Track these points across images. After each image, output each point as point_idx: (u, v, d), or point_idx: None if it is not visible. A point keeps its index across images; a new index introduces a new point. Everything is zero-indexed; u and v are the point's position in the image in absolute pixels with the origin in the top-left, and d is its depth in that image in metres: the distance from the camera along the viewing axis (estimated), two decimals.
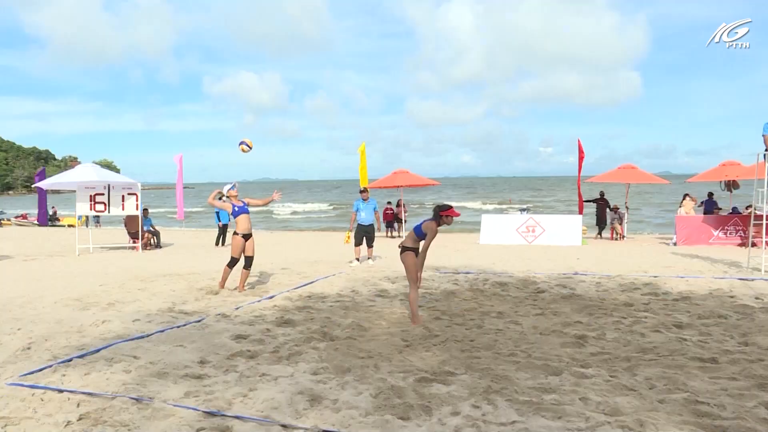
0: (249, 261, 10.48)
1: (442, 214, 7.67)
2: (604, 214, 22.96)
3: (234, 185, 10.53)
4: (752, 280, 11.19)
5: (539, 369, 5.76)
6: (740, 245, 17.84)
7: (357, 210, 14.29)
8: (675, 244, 19.15)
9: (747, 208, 19.39)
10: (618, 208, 22.58)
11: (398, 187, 25.23)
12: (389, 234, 25.25)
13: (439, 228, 7.74)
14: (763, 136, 12.80)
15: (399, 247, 7.97)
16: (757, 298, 9.30)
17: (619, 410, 4.70)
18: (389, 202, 26.01)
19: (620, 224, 22.41)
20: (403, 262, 7.92)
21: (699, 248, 17.64)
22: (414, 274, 7.84)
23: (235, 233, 10.39)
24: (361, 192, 14.77)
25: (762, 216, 13.46)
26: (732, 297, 9.42)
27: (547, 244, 19.46)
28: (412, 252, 7.83)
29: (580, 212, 21.66)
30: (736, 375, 5.55)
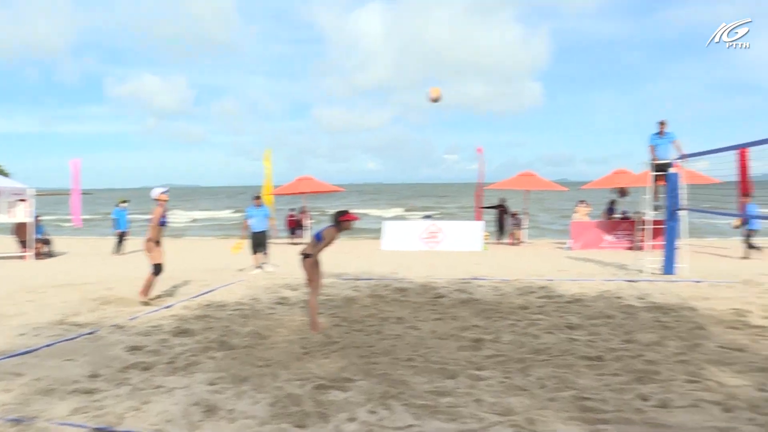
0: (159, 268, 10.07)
1: (341, 220, 7.72)
2: (504, 220, 23.59)
3: (167, 189, 10.09)
4: (637, 281, 11.80)
5: (436, 373, 5.89)
6: (629, 248, 18.71)
7: (249, 217, 14.16)
8: (570, 248, 19.89)
9: (636, 213, 20.36)
10: (517, 214, 23.25)
11: (302, 193, 25.11)
12: (292, 241, 25.08)
13: (340, 234, 7.78)
14: (649, 146, 13.59)
15: (300, 254, 7.96)
16: (640, 298, 9.84)
17: (511, 410, 4.88)
18: (292, 209, 25.86)
19: (519, 230, 23.07)
20: (303, 269, 7.92)
21: (592, 252, 18.40)
22: (314, 281, 7.86)
23: (156, 242, 9.93)
24: (254, 199, 14.62)
25: (649, 221, 14.19)
26: (619, 298, 9.90)
27: (449, 250, 19.81)
28: (313, 259, 7.84)
29: (478, 218, 22.19)
30: (619, 371, 5.89)
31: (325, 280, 11.21)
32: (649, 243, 13.95)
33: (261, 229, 14.11)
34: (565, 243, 21.10)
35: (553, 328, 7.75)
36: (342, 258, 16.52)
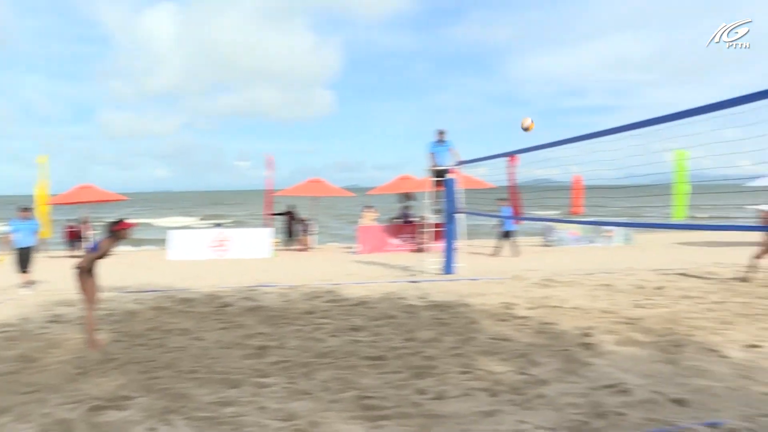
0: None
1: (116, 230, 7.33)
2: (292, 227, 23.71)
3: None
4: (419, 282, 12.43)
5: (220, 383, 5.81)
6: (413, 251, 19.61)
7: (13, 231, 12.76)
8: (358, 252, 20.43)
9: (420, 217, 21.41)
10: (305, 220, 23.49)
11: (83, 203, 23.53)
12: (72, 254, 23.39)
13: (116, 244, 7.39)
14: (428, 153, 14.40)
15: (74, 267, 7.45)
16: (421, 298, 10.37)
17: (294, 414, 4.94)
18: (71, 220, 24.14)
19: (308, 236, 23.31)
20: (77, 283, 7.43)
21: (378, 255, 19.04)
22: (90, 295, 7.40)
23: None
24: (20, 211, 13.20)
25: (430, 224, 15.01)
26: (402, 298, 10.36)
27: (238, 257, 19.55)
28: (87, 271, 7.38)
29: (269, 225, 22.15)
30: (399, 368, 6.18)
31: (105, 294, 10.59)
32: (430, 245, 14.74)
33: (27, 245, 12.81)
34: (352, 248, 21.64)
35: (338, 331, 7.94)
36: (126, 270, 15.70)
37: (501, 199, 14.45)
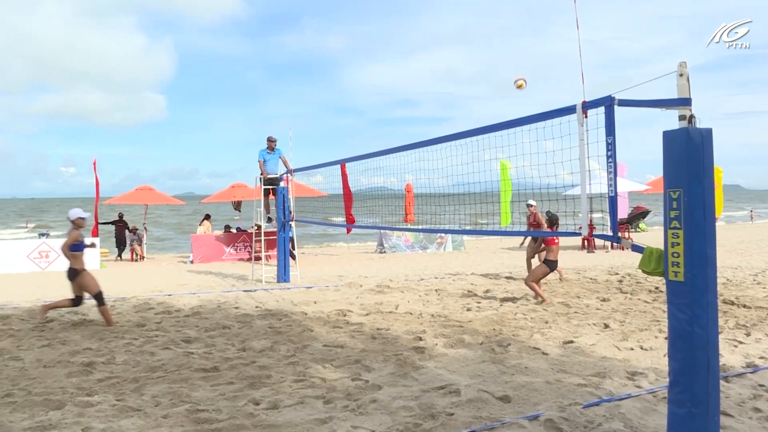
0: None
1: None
2: (123, 236, 22.67)
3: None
4: (255, 291, 12.30)
5: (40, 406, 5.40)
6: (248, 260, 19.38)
7: None
8: (192, 262, 19.88)
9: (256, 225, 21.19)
10: (137, 229, 22.55)
11: None
12: None
13: None
14: (258, 161, 14.30)
15: None
16: (257, 307, 10.27)
17: None
18: None
19: (140, 245, 22.39)
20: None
21: (213, 265, 18.61)
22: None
23: (82, 270, 9.39)
24: None
25: (263, 233, 14.89)
26: (237, 308, 10.20)
27: (63, 269, 18.33)
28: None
29: (95, 235, 21.01)
30: (233, 379, 6.07)
31: None
32: (265, 253, 14.63)
33: None
34: (188, 257, 21.03)
35: (171, 344, 7.67)
36: None
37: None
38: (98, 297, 9.22)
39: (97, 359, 6.98)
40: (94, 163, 21.81)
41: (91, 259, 18.97)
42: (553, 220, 10.03)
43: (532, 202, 12.38)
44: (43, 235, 25.53)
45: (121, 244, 22.81)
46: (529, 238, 13.68)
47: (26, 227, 54.51)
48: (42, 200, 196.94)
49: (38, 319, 9.31)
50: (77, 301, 9.36)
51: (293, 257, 14.88)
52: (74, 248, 9.33)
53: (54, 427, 4.88)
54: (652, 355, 6.81)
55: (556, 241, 10.13)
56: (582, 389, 5.57)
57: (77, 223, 9.55)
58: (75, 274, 9.35)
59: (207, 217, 22.51)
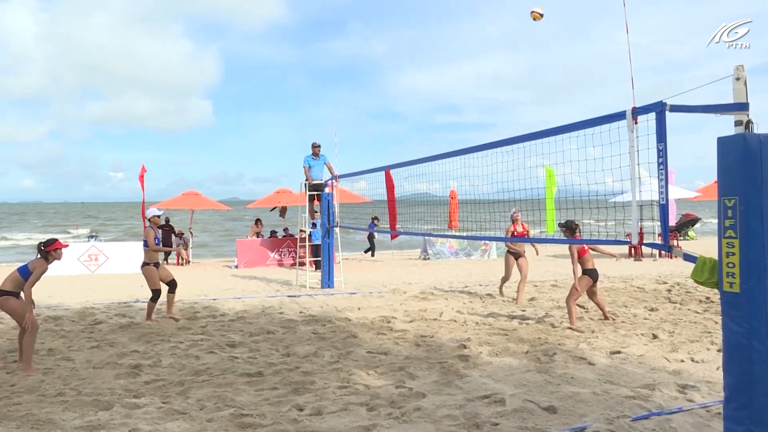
0: (173, 284, 9.99)
1: (49, 250, 6.94)
2: (169, 240, 23.02)
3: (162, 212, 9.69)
4: (299, 296, 12.35)
5: (89, 406, 5.51)
6: (292, 265, 19.48)
7: None
8: (237, 266, 20.07)
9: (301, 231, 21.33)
10: (183, 234, 22.87)
11: None
12: None
13: (48, 266, 6.93)
14: (304, 167, 14.38)
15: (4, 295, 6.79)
16: (300, 312, 10.30)
17: None
18: None
19: (186, 249, 22.70)
20: (3, 309, 6.86)
21: (257, 270, 18.77)
22: (22, 318, 6.79)
23: (147, 264, 9.91)
24: None
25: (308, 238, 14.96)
26: (281, 313, 10.25)
27: (111, 272, 18.74)
28: (12, 297, 6.81)
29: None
30: (277, 384, 6.09)
31: None
32: (309, 259, 14.69)
33: None
34: (233, 262, 21.24)
35: (216, 348, 7.74)
36: None
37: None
38: (154, 293, 9.71)
39: (143, 362, 7.09)
40: (143, 169, 22.21)
41: (138, 263, 19.36)
42: (572, 228, 9.52)
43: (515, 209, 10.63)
44: (92, 237, 26.07)
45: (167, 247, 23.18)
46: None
47: (76, 230, 55.72)
48: (91, 204, 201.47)
49: (148, 321, 9.63)
50: (154, 293, 9.77)
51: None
52: (145, 244, 10.09)
53: (102, 428, 4.95)
54: (704, 367, 6.61)
55: (587, 248, 9.75)
56: (630, 401, 5.43)
57: (153, 221, 10.25)
58: (142, 265, 10.06)
59: (258, 221, 22.77)
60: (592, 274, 9.26)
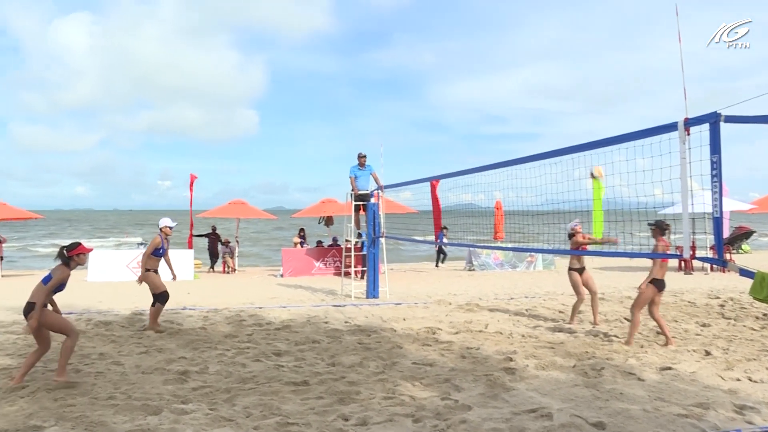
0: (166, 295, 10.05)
1: (72, 255, 6.83)
2: (215, 248, 23.35)
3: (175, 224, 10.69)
4: (344, 306, 12.38)
5: (139, 410, 5.60)
6: (336, 274, 19.55)
7: None
8: (282, 275, 20.24)
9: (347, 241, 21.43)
10: (229, 242, 23.16)
11: None
12: None
13: (71, 271, 6.94)
14: (349, 177, 14.43)
15: (26, 304, 6.73)
16: (346, 322, 10.32)
17: None
18: None
19: (232, 257, 22.97)
20: (43, 324, 6.69)
21: (303, 279, 18.90)
22: (66, 327, 6.80)
23: (148, 270, 10.04)
24: None
25: (353, 248, 15.01)
26: (326, 322, 10.28)
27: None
28: (40, 308, 6.63)
29: (190, 247, 21.73)
30: (323, 394, 6.10)
31: (19, 317, 10.24)
32: (354, 269, 14.73)
33: None
34: (278, 270, 21.42)
35: (261, 356, 7.80)
36: None
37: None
38: (157, 297, 9.95)
39: (191, 368, 7.18)
40: (191, 178, 22.59)
41: (185, 270, 19.67)
42: (663, 229, 8.33)
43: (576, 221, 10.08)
44: (141, 245, 26.58)
45: (213, 257, 23.50)
46: None
47: (126, 238, 56.86)
48: (140, 212, 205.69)
49: (150, 327, 9.73)
50: (159, 297, 9.94)
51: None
52: (154, 253, 10.19)
53: (152, 431, 5.03)
54: (763, 388, 6.38)
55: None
56: (683, 420, 5.29)
57: (163, 231, 10.37)
58: (143, 272, 10.11)
59: (301, 230, 22.94)
60: (660, 285, 8.48)
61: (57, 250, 7.02)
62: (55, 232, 70.89)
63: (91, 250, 7.39)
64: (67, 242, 7.28)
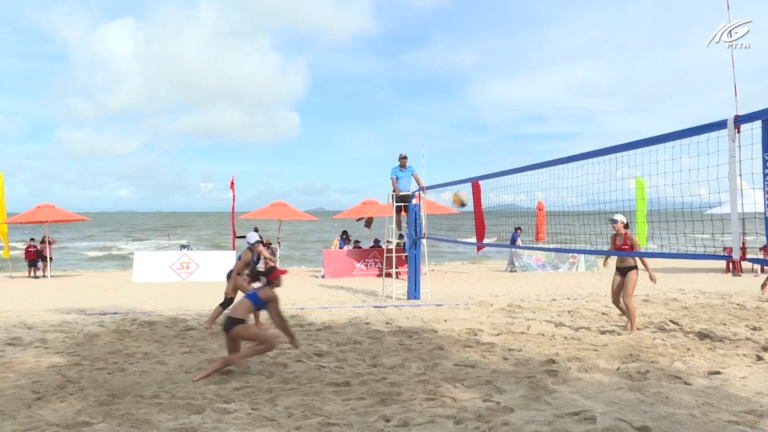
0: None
1: (272, 279, 7.45)
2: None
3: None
4: (385, 307, 12.39)
5: (182, 409, 5.67)
6: (378, 275, 19.58)
7: None
8: (323, 276, 20.34)
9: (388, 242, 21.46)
10: (270, 243, 23.34)
11: (43, 222, 23.15)
12: (32, 274, 22.92)
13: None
14: (391, 179, 14.44)
15: (226, 318, 7.22)
16: (387, 323, 10.32)
17: None
18: (32, 239, 23.68)
19: (273, 259, 23.14)
20: (241, 337, 7.15)
21: (344, 280, 18.97)
22: (265, 337, 7.28)
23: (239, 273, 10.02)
24: None
25: (395, 249, 15.01)
26: (367, 324, 10.29)
27: (201, 280, 19.35)
28: (244, 323, 7.16)
29: (234, 248, 21.99)
30: (364, 395, 6.09)
31: (67, 317, 10.49)
32: (396, 270, 14.73)
33: None
34: (319, 271, 21.53)
35: (303, 357, 7.84)
36: (88, 292, 15.44)
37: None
38: (227, 301, 9.93)
39: (233, 368, 7.24)
40: (232, 181, 22.86)
41: (227, 271, 19.89)
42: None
43: (619, 217, 9.45)
44: (184, 247, 27.00)
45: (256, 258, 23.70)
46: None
47: (168, 240, 57.58)
48: (182, 214, 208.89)
49: (206, 326, 9.79)
50: (227, 302, 9.90)
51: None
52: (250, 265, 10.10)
53: (195, 430, 5.08)
54: None
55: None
56: (734, 427, 5.14)
57: (254, 248, 10.41)
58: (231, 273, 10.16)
59: (343, 233, 23.03)
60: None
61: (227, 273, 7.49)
62: (98, 233, 72.36)
63: (285, 272, 7.87)
64: (231, 263, 7.89)
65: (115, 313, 11.62)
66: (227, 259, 20.49)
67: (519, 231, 20.45)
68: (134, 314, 11.48)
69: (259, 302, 7.29)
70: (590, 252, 12.84)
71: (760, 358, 7.60)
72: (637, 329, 9.50)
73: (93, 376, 6.92)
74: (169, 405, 5.77)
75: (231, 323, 7.06)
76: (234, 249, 21.79)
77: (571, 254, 21.83)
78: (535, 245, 20.98)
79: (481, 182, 12.48)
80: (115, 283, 18.82)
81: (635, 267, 9.42)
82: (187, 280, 19.48)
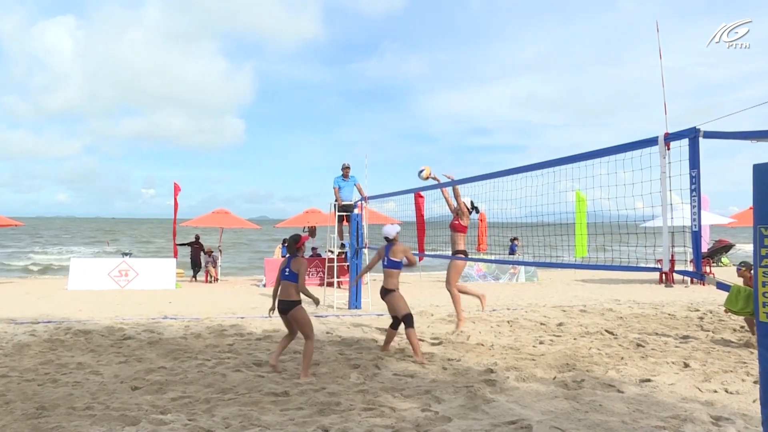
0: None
1: (299, 247, 7.73)
2: (198, 257, 23.23)
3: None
4: (326, 316, 12.36)
5: (116, 420, 5.54)
6: (319, 285, 19.49)
7: None
8: (265, 285, 20.13)
9: (329, 251, 21.37)
10: (212, 251, 23.05)
11: None
12: None
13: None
14: (333, 188, 14.45)
15: (280, 302, 7.53)
16: (327, 333, 10.31)
17: None
18: None
19: (214, 267, 22.87)
20: (296, 319, 7.48)
21: None
22: (309, 329, 7.45)
23: (394, 290, 8.92)
24: None
25: (336, 259, 14.99)
26: None
27: (140, 288, 18.96)
28: (299, 304, 7.51)
29: (175, 256, 21.63)
30: (303, 405, 6.07)
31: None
32: (337, 279, 14.71)
33: None
34: (261, 280, 21.32)
35: (242, 366, 7.76)
36: (22, 299, 14.99)
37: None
38: (406, 319, 8.50)
39: (171, 378, 7.12)
40: (175, 186, 22.48)
41: (167, 279, 19.58)
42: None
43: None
44: (126, 254, 26.44)
45: (196, 266, 23.37)
46: None
47: (107, 246, 56.31)
48: (122, 220, 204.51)
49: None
50: (395, 323, 8.86)
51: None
52: (392, 265, 9.20)
53: None
54: (739, 399, 6.42)
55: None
56: None
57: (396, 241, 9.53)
58: (386, 293, 8.98)
59: (284, 241, 22.84)
60: None
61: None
62: (38, 241, 70.23)
63: (307, 238, 8.12)
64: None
65: (49, 322, 11.27)
66: (167, 267, 20.14)
67: (516, 241, 20.59)
68: (68, 323, 11.16)
69: (294, 276, 7.49)
70: (530, 264, 13.08)
71: (686, 366, 7.88)
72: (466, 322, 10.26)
73: (21, 388, 6.69)
74: (103, 417, 5.63)
75: (287, 306, 7.44)
76: (176, 257, 21.42)
77: (511, 265, 22.15)
78: (476, 256, 21.20)
79: (423, 193, 12.57)
80: (49, 291, 18.25)
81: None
82: (126, 288, 19.04)
